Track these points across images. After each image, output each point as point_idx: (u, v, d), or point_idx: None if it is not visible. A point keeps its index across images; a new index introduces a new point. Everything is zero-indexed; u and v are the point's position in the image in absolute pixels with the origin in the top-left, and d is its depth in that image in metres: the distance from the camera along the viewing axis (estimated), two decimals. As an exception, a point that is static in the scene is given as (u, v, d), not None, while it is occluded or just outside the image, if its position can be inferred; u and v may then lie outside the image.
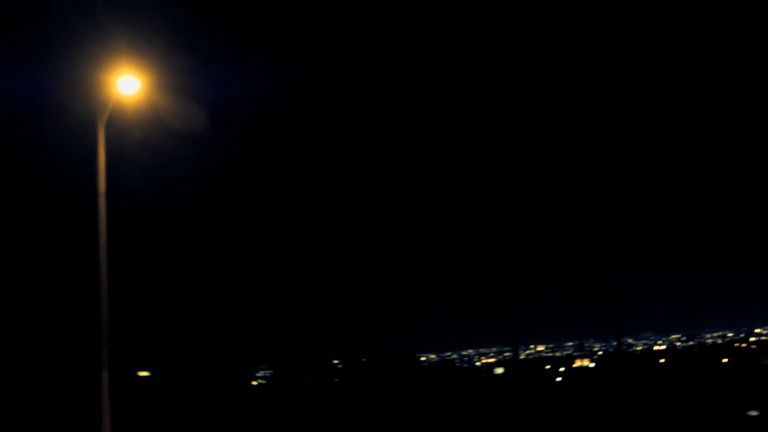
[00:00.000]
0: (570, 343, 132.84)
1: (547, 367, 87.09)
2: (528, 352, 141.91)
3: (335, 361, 45.99)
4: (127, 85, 18.64)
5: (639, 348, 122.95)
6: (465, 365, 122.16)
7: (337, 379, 41.05)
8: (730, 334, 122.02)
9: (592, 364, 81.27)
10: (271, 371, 42.63)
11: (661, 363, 69.37)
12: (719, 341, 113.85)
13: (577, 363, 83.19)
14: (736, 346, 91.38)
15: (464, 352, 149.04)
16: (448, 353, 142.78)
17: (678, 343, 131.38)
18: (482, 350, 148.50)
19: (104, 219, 18.83)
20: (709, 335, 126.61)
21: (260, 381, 42.05)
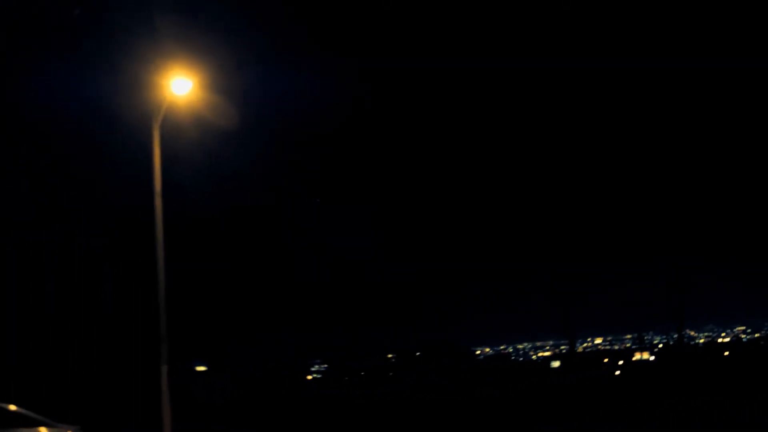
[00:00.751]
0: (629, 336, 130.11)
1: (606, 360, 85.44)
2: (585, 345, 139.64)
3: (389, 355, 46.02)
4: (180, 85, 18.94)
5: (701, 340, 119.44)
6: (521, 358, 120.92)
7: (391, 373, 41.06)
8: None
9: (652, 357, 79.33)
10: (326, 365, 42.92)
11: (726, 356, 67.09)
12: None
13: (637, 356, 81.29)
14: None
15: (520, 345, 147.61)
16: (503, 346, 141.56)
17: (743, 336, 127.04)
18: (538, 343, 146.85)
19: (161, 218, 19.20)
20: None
21: (315, 375, 42.38)
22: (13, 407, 11.63)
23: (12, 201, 23.42)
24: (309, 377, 40.61)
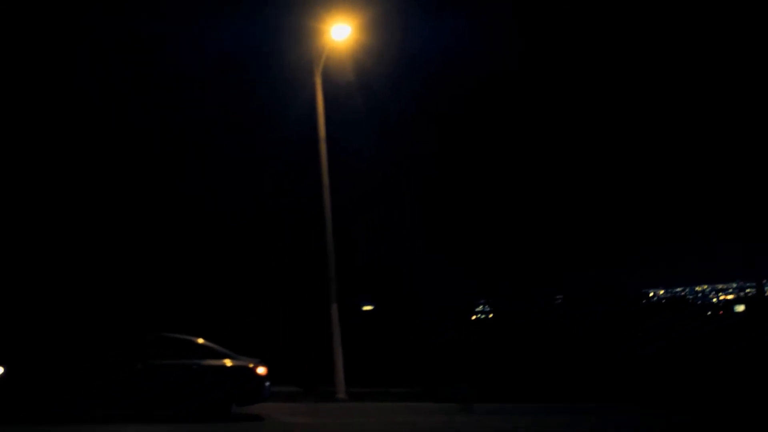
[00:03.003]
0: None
1: (800, 304, 77.80)
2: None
3: (556, 297, 45.00)
4: (339, 31, 19.16)
5: None
6: (699, 302, 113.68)
7: (557, 315, 40.21)
8: None
9: None
10: (489, 307, 42.88)
11: None
12: None
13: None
14: None
15: (698, 288, 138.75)
16: (679, 289, 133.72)
17: None
18: (719, 286, 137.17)
19: (326, 163, 19.81)
20: None
21: (479, 316, 42.60)
22: (200, 340, 12.70)
23: (178, 150, 25.16)
24: (473, 317, 40.86)
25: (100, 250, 23.58)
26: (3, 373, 10.91)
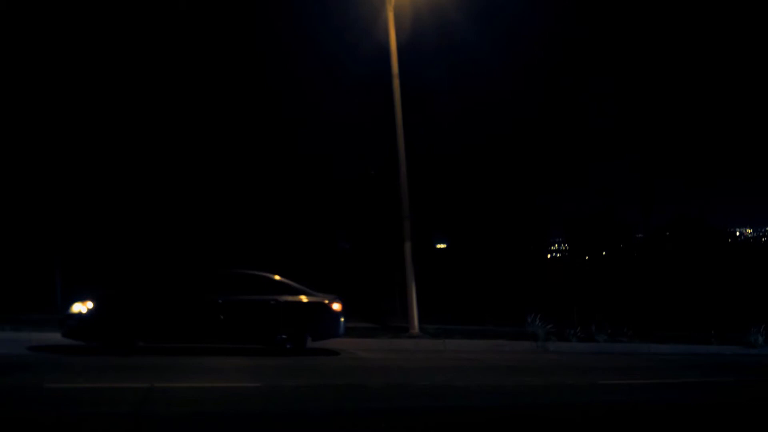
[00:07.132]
0: None
1: None
2: None
3: (638, 235, 43.58)
4: (412, -39, 18.52)
5: None
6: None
7: (636, 252, 38.96)
8: None
9: None
10: (565, 244, 42.00)
11: None
12: None
13: None
14: None
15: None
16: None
17: None
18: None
19: (399, 99, 19.47)
20: None
21: (555, 254, 41.83)
22: (277, 277, 12.96)
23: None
24: (548, 255, 40.16)
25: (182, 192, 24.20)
26: (93, 308, 11.48)
